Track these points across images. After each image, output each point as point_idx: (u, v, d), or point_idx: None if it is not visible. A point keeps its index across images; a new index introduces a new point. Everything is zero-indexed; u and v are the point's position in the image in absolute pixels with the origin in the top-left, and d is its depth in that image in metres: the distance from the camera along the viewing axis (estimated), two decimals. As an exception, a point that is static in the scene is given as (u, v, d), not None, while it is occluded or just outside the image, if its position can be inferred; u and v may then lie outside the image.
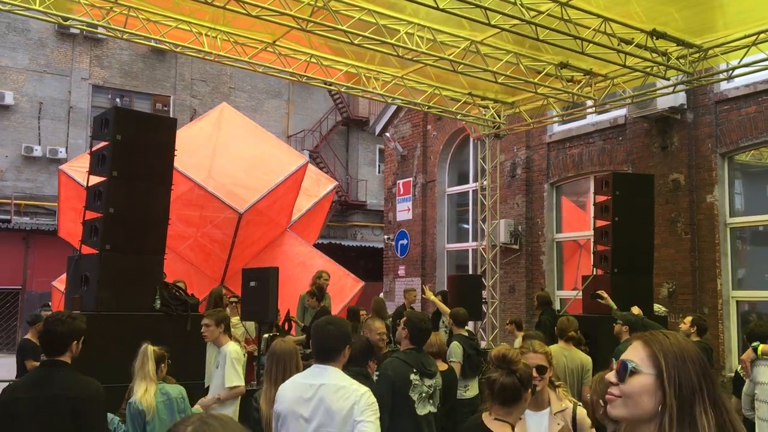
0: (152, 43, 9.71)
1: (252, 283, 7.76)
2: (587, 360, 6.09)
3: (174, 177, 6.35)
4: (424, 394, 4.59)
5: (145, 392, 4.41)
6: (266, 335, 8.48)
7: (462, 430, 3.28)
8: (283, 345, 4.12)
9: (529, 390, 3.02)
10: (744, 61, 8.62)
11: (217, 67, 25.71)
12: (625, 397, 1.64)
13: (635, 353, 1.67)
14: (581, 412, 3.82)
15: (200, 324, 6.23)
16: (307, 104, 29.78)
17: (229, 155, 12.47)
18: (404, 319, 4.87)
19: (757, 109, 9.91)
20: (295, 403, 3.45)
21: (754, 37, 8.25)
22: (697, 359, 1.61)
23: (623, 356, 1.68)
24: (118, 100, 24.78)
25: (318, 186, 14.60)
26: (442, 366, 5.73)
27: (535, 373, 3.47)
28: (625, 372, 1.65)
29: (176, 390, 4.66)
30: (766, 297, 10.18)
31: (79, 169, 12.35)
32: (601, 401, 2.03)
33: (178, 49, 9.57)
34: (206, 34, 9.39)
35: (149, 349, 4.59)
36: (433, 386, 4.71)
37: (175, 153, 6.18)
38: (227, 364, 5.35)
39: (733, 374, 6.80)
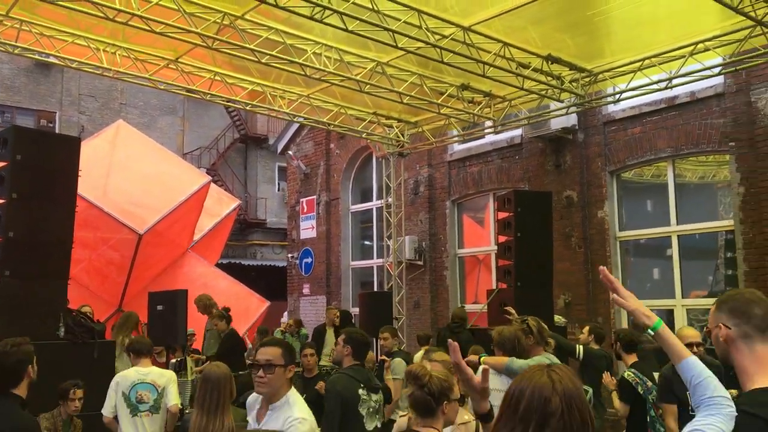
0: (48, 59, 9.27)
1: (159, 307, 7.52)
2: None
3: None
4: (371, 409, 4.62)
5: None
6: (173, 360, 8.24)
7: None
8: (217, 370, 3.96)
9: (445, 402, 3.08)
10: (630, 85, 9.25)
11: (107, 82, 24.73)
12: None
13: None
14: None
15: (107, 351, 6.00)
16: (203, 121, 29.16)
17: (126, 174, 12.05)
18: (344, 336, 4.83)
19: (642, 130, 10.65)
20: None
21: (640, 63, 8.89)
22: (505, 396, 1.77)
23: None
24: (-2, 116, 23.35)
25: (220, 205, 14.34)
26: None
27: None
28: None
29: None
30: (652, 306, 10.88)
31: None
32: None
33: (74, 65, 9.17)
34: (104, 50, 9.06)
35: None
36: (378, 401, 4.75)
37: (80, 174, 5.93)
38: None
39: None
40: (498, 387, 4.84)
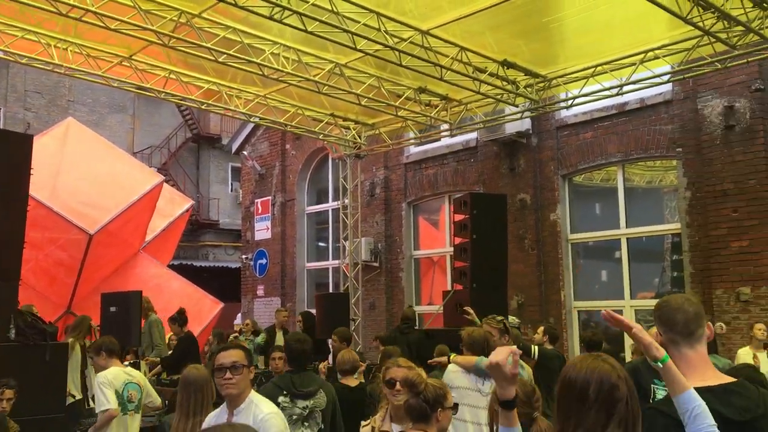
0: (-4, 54, 9.01)
1: (112, 309, 7.38)
2: None
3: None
4: (295, 417, 4.46)
5: None
6: (126, 363, 8.08)
7: None
8: (196, 372, 3.92)
9: (439, 410, 3.15)
10: (583, 91, 9.47)
11: (54, 78, 24.10)
12: None
13: None
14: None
15: (60, 353, 5.87)
16: (154, 119, 28.66)
17: (76, 173, 11.78)
18: (284, 342, 4.81)
19: (593, 135, 10.91)
20: None
21: (592, 70, 9.11)
22: (568, 384, 1.86)
23: None
24: (-62, 110, 22.50)
25: (173, 205, 14.12)
26: (353, 382, 5.73)
27: (399, 386, 3.63)
28: None
29: None
30: (601, 306, 11.15)
31: None
32: None
33: (23, 61, 8.93)
34: (56, 46, 8.85)
35: None
36: (309, 407, 4.56)
37: (32, 172, 5.78)
38: (96, 391, 5.21)
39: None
40: (466, 385, 4.89)
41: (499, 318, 5.22)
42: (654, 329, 5.50)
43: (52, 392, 5.68)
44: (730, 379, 2.44)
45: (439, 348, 6.15)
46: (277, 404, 4.32)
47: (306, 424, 4.52)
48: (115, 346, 5.45)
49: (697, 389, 2.29)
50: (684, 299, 2.53)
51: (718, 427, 2.19)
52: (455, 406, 3.27)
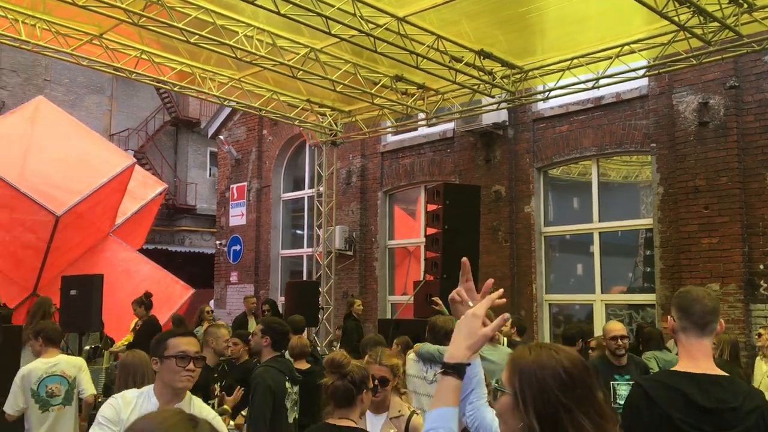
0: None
1: (73, 292, 7.22)
2: None
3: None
4: (293, 402, 4.58)
5: None
6: (87, 347, 7.95)
7: None
8: (134, 357, 3.85)
9: (365, 391, 3.07)
10: (559, 84, 9.41)
11: (31, 57, 23.67)
12: (498, 415, 1.66)
13: (504, 373, 1.66)
14: (416, 419, 3.85)
15: (13, 336, 5.72)
16: (133, 101, 28.30)
17: (45, 154, 11.53)
18: (261, 327, 4.74)
19: (569, 128, 10.88)
20: None
21: (569, 63, 9.04)
22: (556, 375, 1.56)
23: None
24: None
25: (145, 188, 13.89)
26: (305, 365, 5.68)
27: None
28: (496, 392, 1.66)
29: None
30: (572, 300, 11.18)
31: None
32: None
33: (-10, 36, 8.69)
34: (24, 22, 8.62)
35: None
36: (297, 392, 4.70)
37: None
38: None
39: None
40: (415, 373, 4.87)
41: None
42: (615, 326, 5.49)
43: (5, 376, 5.53)
44: (721, 373, 2.54)
45: (400, 339, 6.12)
46: (285, 390, 4.45)
47: (296, 408, 4.69)
48: (56, 335, 5.13)
49: (679, 373, 2.51)
50: (705, 292, 2.65)
51: (685, 409, 2.38)
52: (375, 389, 3.25)
